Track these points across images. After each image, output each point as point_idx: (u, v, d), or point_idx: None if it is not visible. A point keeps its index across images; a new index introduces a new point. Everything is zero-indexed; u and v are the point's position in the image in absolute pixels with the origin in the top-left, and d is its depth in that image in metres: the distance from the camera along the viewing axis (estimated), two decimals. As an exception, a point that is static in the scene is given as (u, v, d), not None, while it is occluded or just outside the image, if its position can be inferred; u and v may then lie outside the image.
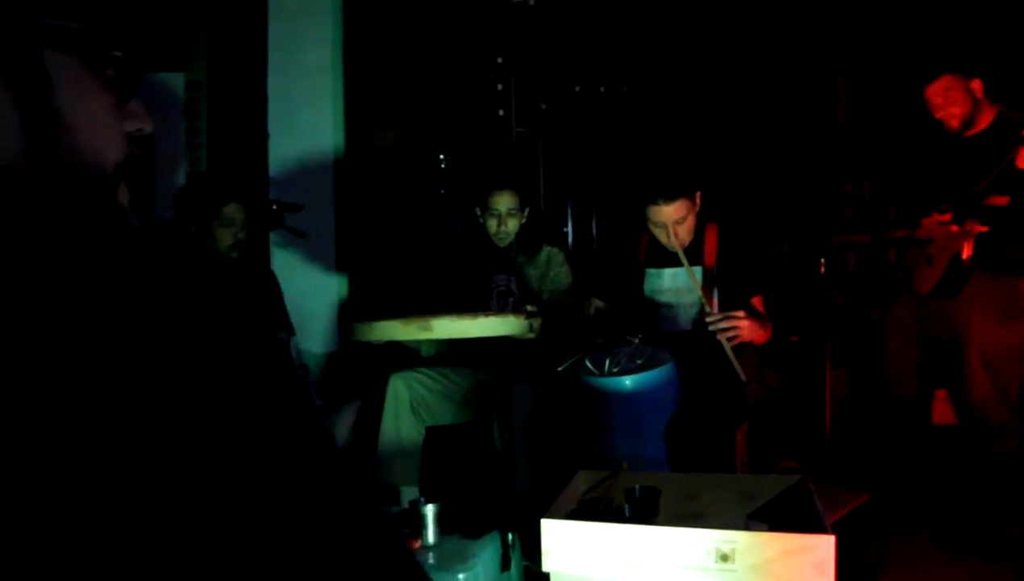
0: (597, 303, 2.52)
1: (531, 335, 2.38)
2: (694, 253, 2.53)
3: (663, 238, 2.50)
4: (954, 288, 2.70)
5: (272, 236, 3.29)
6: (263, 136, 3.34)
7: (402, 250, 3.54)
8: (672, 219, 2.44)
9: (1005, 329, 2.79)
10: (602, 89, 3.60)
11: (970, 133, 2.73)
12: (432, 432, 2.69)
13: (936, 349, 3.04)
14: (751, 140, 3.73)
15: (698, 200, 2.51)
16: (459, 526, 2.02)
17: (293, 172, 3.38)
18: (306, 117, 3.37)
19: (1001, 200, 2.54)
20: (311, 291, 3.40)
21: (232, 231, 2.60)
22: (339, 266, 3.50)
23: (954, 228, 2.56)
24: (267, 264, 3.20)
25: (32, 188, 0.62)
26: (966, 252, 2.58)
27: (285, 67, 3.33)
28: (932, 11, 3.36)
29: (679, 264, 2.48)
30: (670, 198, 2.42)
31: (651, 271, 2.62)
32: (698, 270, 2.52)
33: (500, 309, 2.82)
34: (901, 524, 2.63)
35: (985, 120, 2.71)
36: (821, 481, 1.93)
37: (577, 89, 3.60)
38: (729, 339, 2.30)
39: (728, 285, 2.51)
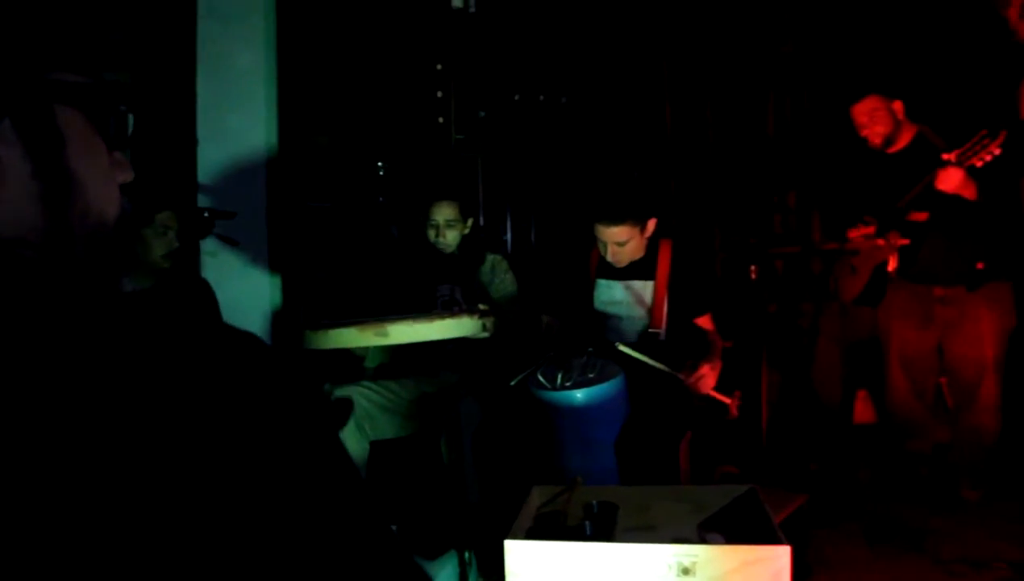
0: (546, 319, 2.52)
1: (485, 334, 2.37)
2: (647, 269, 2.58)
3: (603, 252, 2.55)
4: (877, 296, 2.87)
5: (202, 244, 3.16)
6: (191, 141, 3.20)
7: (340, 259, 3.46)
8: (613, 240, 2.47)
9: (921, 333, 2.99)
10: (541, 98, 3.62)
11: (891, 150, 2.91)
12: (377, 447, 2.65)
13: (858, 352, 3.22)
14: (685, 151, 3.85)
15: (650, 227, 2.54)
16: (415, 547, 2.00)
17: (224, 178, 3.25)
18: (237, 121, 3.23)
19: (920, 216, 2.72)
20: (243, 301, 3.28)
21: (166, 240, 2.50)
22: (272, 275, 3.39)
23: (880, 242, 2.71)
24: (198, 273, 3.08)
25: (45, 269, 0.58)
26: (892, 264, 2.75)
27: (215, 69, 3.19)
28: (857, 35, 3.55)
29: (631, 277, 2.52)
30: (613, 221, 2.45)
31: (602, 282, 2.65)
32: (649, 286, 2.57)
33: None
34: (832, 521, 2.76)
35: (905, 139, 2.89)
36: (760, 484, 2.00)
37: (516, 98, 3.61)
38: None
39: (679, 303, 2.57)
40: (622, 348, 2.32)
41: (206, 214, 2.90)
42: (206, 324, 0.61)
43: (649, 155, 3.79)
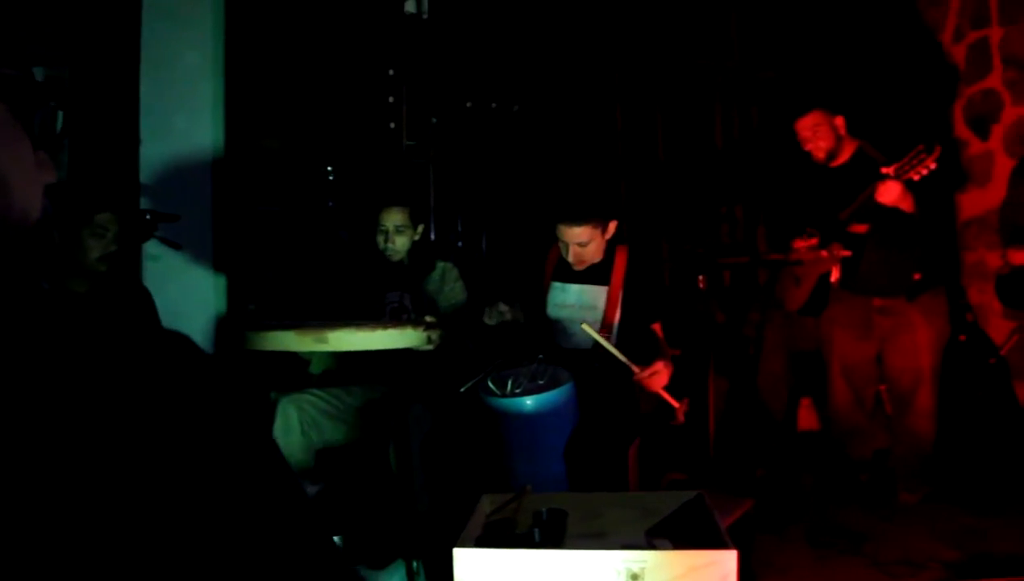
0: (502, 307, 2.48)
1: (430, 346, 2.35)
2: (602, 274, 2.59)
3: (564, 253, 2.56)
4: (821, 306, 2.95)
5: (144, 247, 3.07)
6: (134, 140, 3.10)
7: (288, 264, 3.40)
8: (575, 240, 2.49)
9: (861, 343, 3.07)
10: (493, 106, 3.63)
11: (833, 164, 2.99)
12: (324, 454, 2.60)
13: (802, 361, 3.30)
14: (635, 162, 3.90)
15: (611, 229, 2.56)
16: (362, 556, 1.96)
17: (167, 180, 3.15)
18: (182, 122, 3.15)
19: (861, 228, 2.80)
20: (186, 306, 3.18)
21: (104, 242, 2.41)
22: (216, 280, 3.30)
23: (823, 253, 2.78)
24: (138, 278, 2.98)
25: None
26: (834, 275, 2.82)
27: (160, 67, 3.10)
28: (801, 53, 3.67)
29: (586, 281, 2.54)
30: (575, 222, 2.46)
31: (556, 285, 2.64)
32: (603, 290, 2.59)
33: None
34: (776, 525, 2.81)
35: (846, 153, 2.98)
36: (707, 490, 2.02)
37: (468, 105, 3.61)
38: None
39: (632, 308, 2.59)
40: (585, 328, 2.34)
41: (148, 216, 2.82)
42: (137, 327, 0.59)
43: (600, 165, 3.83)
